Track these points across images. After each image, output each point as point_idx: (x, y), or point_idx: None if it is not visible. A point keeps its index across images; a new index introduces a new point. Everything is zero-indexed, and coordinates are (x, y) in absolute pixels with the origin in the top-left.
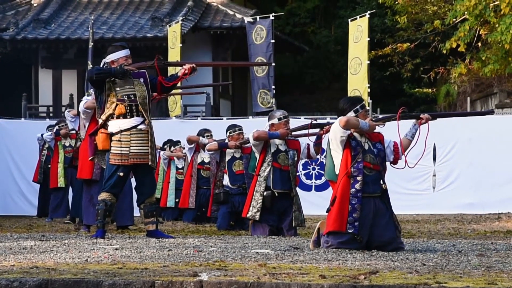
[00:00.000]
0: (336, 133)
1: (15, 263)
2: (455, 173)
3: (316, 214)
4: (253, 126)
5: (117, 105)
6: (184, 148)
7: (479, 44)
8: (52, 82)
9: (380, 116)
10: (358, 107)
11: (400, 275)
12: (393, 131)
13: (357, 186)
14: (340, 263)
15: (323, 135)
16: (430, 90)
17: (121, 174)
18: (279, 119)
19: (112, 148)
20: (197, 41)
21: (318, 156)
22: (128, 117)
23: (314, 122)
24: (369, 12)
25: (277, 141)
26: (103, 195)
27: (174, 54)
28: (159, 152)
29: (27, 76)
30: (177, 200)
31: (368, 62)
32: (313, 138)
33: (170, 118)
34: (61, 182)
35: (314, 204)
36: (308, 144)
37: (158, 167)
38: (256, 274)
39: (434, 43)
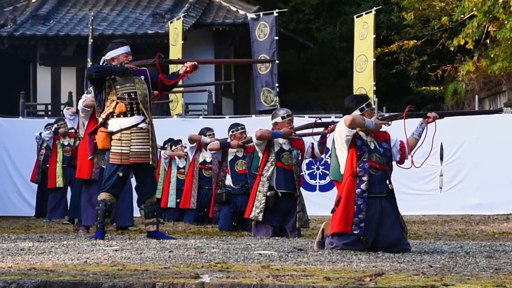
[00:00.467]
0: (341, 132)
1: (12, 265)
2: (462, 173)
3: (321, 215)
4: (256, 125)
5: (117, 103)
6: (185, 147)
7: (488, 41)
8: (51, 79)
9: (386, 115)
10: (364, 105)
11: (406, 277)
12: (399, 130)
13: (363, 186)
14: (345, 264)
15: (328, 135)
16: (437, 88)
17: (121, 174)
18: (283, 117)
19: (112, 147)
20: (199, 38)
21: (323, 156)
22: (129, 115)
23: (319, 121)
24: (375, 8)
25: (281, 140)
26: (102, 195)
27: (175, 51)
28: (160, 151)
29: (25, 74)
30: (178, 200)
31: (374, 59)
32: (318, 138)
33: (171, 116)
34: (59, 182)
35: (319, 204)
36: (313, 143)
37: (159, 166)
38: (259, 276)
39: (441, 40)
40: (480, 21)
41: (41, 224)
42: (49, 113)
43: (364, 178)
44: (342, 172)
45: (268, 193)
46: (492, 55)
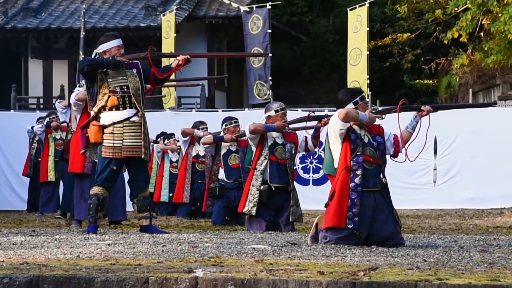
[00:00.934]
0: (335, 126)
1: (4, 259)
2: (456, 167)
3: (314, 209)
4: (249, 119)
5: (109, 96)
6: (178, 141)
7: (482, 34)
8: (43, 72)
9: (380, 108)
10: (357, 98)
11: (400, 272)
12: (393, 123)
13: (357, 180)
14: (339, 259)
15: (321, 128)
16: (431, 81)
17: (114, 167)
18: (276, 111)
19: (104, 141)
20: (191, 30)
21: (316, 150)
22: (121, 109)
23: (312, 114)
24: (368, 1)
25: (274, 134)
26: (95, 189)
27: (168, 44)
28: (152, 145)
29: (16, 67)
30: (171, 194)
31: (368, 52)
32: (311, 131)
33: (164, 110)
34: (51, 176)
35: (312, 198)
36: (306, 137)
37: (151, 160)
38: (252, 271)
39: (435, 33)
40: (474, 14)
41: (33, 218)
42: (41, 106)
43: (358, 172)
44: (336, 166)
45: (262, 187)
46: (486, 48)
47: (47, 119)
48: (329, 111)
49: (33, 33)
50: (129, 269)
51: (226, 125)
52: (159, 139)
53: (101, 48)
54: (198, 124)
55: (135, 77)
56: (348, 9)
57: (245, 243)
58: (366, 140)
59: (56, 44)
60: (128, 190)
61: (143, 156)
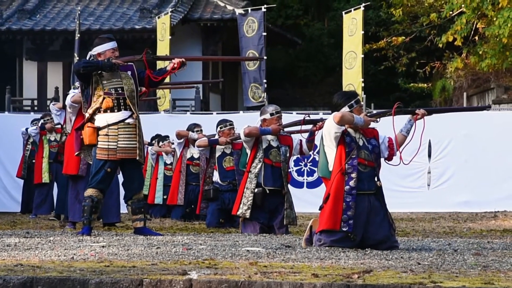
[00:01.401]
0: (330, 129)
1: None
2: (450, 170)
3: (308, 212)
4: (244, 121)
5: (104, 98)
6: (173, 143)
7: (476, 38)
8: (37, 74)
9: (375, 112)
10: (353, 102)
11: (394, 275)
12: (388, 126)
13: (352, 183)
14: (333, 261)
15: (316, 132)
16: (425, 85)
17: (108, 169)
18: (271, 114)
19: (99, 142)
20: (186, 33)
21: (311, 153)
22: (116, 110)
23: (307, 118)
24: (363, 4)
25: (269, 136)
26: (89, 191)
27: (163, 46)
28: (147, 147)
29: (11, 68)
30: (165, 196)
31: (363, 56)
32: (306, 134)
33: (159, 112)
34: (45, 178)
35: (306, 201)
36: (301, 140)
37: (146, 162)
38: (247, 273)
39: (430, 37)
40: (469, 18)
41: (27, 220)
42: (35, 108)
43: (353, 175)
44: (330, 169)
45: (256, 190)
46: (480, 52)
47: (42, 121)
48: (324, 114)
49: (28, 34)
50: (123, 271)
51: (221, 128)
52: (153, 142)
53: (96, 50)
54: (193, 127)
55: (130, 79)
56: (343, 12)
57: (240, 245)
58: (361, 143)
59: (51, 46)
60: (122, 192)
61: (137, 158)
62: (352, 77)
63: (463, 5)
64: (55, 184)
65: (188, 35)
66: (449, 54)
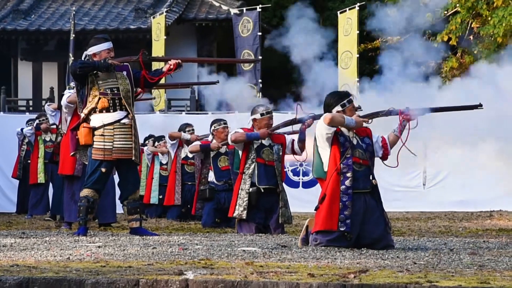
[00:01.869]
0: (321, 131)
1: None
2: (446, 170)
3: (304, 212)
4: (238, 121)
5: (99, 98)
6: (167, 144)
7: (471, 37)
8: (32, 74)
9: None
10: (345, 101)
11: (390, 274)
12: (381, 126)
13: (347, 182)
14: (329, 261)
15: (306, 129)
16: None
17: (104, 170)
18: (262, 114)
19: (94, 143)
20: (181, 33)
21: (304, 154)
22: (111, 111)
23: (298, 117)
24: (358, 4)
25: None
26: (85, 192)
27: (158, 46)
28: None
29: (6, 69)
30: (160, 196)
31: (358, 55)
32: (297, 134)
33: (154, 112)
34: (41, 178)
35: (302, 201)
36: (293, 140)
37: (141, 163)
38: (243, 273)
39: (425, 36)
40: (464, 17)
41: (22, 221)
42: (31, 108)
43: (348, 175)
44: (325, 169)
45: (251, 189)
46: (475, 52)
47: (37, 121)
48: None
49: (23, 35)
50: (119, 271)
51: (215, 127)
52: (147, 142)
53: (91, 50)
54: (185, 127)
55: (125, 79)
56: (338, 12)
57: (236, 245)
58: (355, 142)
59: (46, 46)
60: (118, 192)
61: (133, 158)
62: (348, 77)
63: (458, 5)
64: (50, 184)
65: (183, 35)
66: (444, 54)
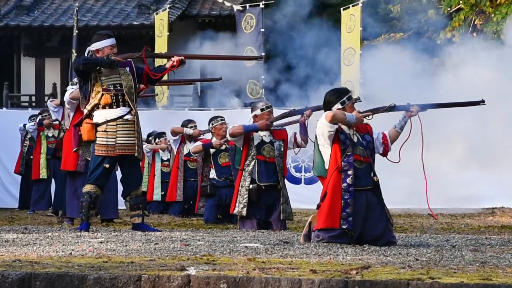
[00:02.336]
0: (323, 129)
1: None
2: (448, 166)
3: (306, 208)
4: (241, 117)
5: (102, 94)
6: (169, 141)
7: (474, 34)
8: (35, 70)
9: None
10: (345, 98)
11: (392, 270)
12: (381, 123)
13: (349, 180)
14: (331, 257)
15: (306, 122)
16: None
17: (107, 165)
18: (262, 109)
19: (97, 139)
20: (184, 29)
21: (308, 148)
22: (114, 107)
23: (297, 109)
24: (361, 0)
25: (262, 132)
26: (87, 187)
27: (161, 42)
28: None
29: (9, 65)
30: (163, 193)
31: (361, 52)
32: (297, 126)
33: (157, 108)
34: (43, 174)
35: (304, 197)
36: (295, 133)
37: (143, 160)
38: (245, 269)
39: (428, 33)
40: (467, 14)
41: (24, 216)
42: (33, 104)
43: (350, 172)
44: (326, 167)
45: (251, 186)
46: None
47: (39, 117)
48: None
49: (26, 31)
50: (121, 266)
51: (213, 124)
52: (150, 138)
53: (94, 46)
54: (187, 123)
55: (128, 75)
56: (342, 8)
57: (238, 241)
58: (355, 139)
59: (49, 42)
60: (120, 188)
61: (136, 154)
62: (351, 74)
63: (461, 2)
64: (53, 180)
65: (186, 31)
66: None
